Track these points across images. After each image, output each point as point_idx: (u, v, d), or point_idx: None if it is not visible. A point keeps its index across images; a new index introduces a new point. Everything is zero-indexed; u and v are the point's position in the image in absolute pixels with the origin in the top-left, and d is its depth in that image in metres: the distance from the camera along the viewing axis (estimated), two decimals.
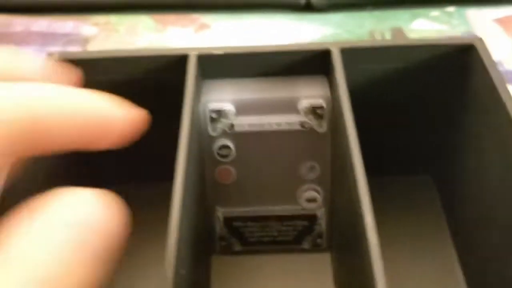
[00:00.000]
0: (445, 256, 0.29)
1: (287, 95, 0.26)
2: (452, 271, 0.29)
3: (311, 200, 0.28)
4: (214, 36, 0.46)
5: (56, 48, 0.45)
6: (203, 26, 0.47)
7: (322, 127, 0.26)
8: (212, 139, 0.27)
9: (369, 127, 0.24)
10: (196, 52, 0.25)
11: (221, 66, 0.26)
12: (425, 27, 0.45)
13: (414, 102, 0.27)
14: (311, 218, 0.29)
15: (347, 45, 0.25)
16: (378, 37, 0.45)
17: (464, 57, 0.26)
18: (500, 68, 0.34)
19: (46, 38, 0.46)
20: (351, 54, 0.25)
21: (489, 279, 0.26)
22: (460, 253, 0.29)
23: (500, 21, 0.46)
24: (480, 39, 0.26)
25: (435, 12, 0.47)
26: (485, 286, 0.26)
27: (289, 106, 0.26)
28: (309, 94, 0.26)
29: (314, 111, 0.26)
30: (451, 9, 0.47)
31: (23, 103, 0.11)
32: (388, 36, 0.45)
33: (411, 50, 0.26)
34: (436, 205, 0.31)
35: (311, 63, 0.26)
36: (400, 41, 0.27)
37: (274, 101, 0.26)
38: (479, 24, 0.45)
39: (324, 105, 0.26)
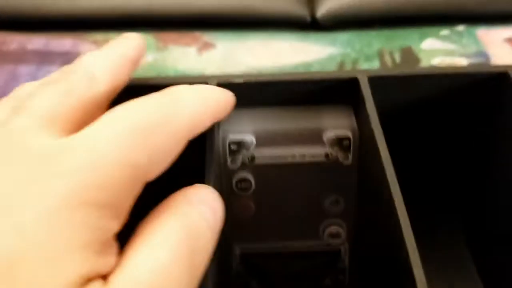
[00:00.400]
0: None
1: (311, 125, 0.25)
2: None
3: (335, 235, 0.27)
4: (219, 55, 0.44)
5: (54, 68, 0.43)
6: (207, 45, 0.46)
7: (347, 159, 0.25)
8: (231, 172, 0.25)
9: (398, 159, 0.23)
10: (215, 80, 0.24)
11: (241, 94, 0.24)
12: (435, 46, 0.44)
13: (444, 133, 0.26)
14: (334, 254, 0.27)
15: (375, 73, 0.24)
16: (387, 57, 0.44)
17: (497, 85, 0.25)
18: None
19: (43, 57, 0.44)
20: (379, 83, 0.24)
21: None
22: None
23: (511, 41, 0.45)
24: None
25: (444, 31, 0.46)
26: None
27: (314, 137, 0.25)
28: (335, 124, 0.24)
29: (340, 142, 0.24)
30: (461, 28, 0.46)
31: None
32: (397, 56, 0.44)
33: (441, 78, 0.24)
34: (463, 245, 0.30)
35: (336, 91, 0.25)
36: (430, 70, 0.26)
37: (297, 131, 0.25)
38: (490, 43, 0.44)
39: (351, 136, 0.24)
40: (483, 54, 0.43)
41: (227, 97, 0.20)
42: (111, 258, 0.15)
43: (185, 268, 0.15)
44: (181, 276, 0.15)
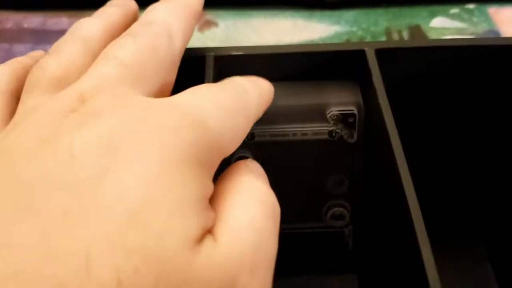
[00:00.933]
0: None
1: (314, 101, 0.23)
2: None
3: (338, 217, 0.25)
4: (221, 34, 0.43)
5: (50, 47, 0.41)
6: (209, 23, 0.44)
7: (352, 137, 0.24)
8: None
9: (407, 136, 0.22)
10: (213, 53, 0.22)
11: (241, 68, 0.23)
12: (445, 24, 0.43)
13: (455, 107, 0.25)
14: (337, 237, 0.26)
15: (383, 46, 0.23)
16: (395, 35, 0.42)
17: (510, 58, 0.23)
18: None
19: (39, 36, 0.43)
20: (387, 55, 0.23)
21: None
22: None
23: None
24: None
25: (454, 9, 0.44)
26: None
27: (317, 114, 0.23)
28: (339, 101, 0.23)
29: (344, 119, 0.23)
30: (471, 6, 0.44)
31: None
32: (405, 34, 0.42)
33: (452, 51, 0.23)
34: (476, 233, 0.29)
35: (342, 65, 0.23)
36: (439, 41, 0.24)
37: (299, 108, 0.23)
38: (502, 22, 0.43)
39: (356, 113, 0.23)
40: (494, 32, 0.42)
41: (272, 90, 0.20)
42: (213, 215, 0.15)
43: (273, 229, 0.16)
44: (271, 236, 0.15)
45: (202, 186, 0.15)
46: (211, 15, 0.45)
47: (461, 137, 0.26)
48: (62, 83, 0.17)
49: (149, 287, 0.12)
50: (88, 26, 0.20)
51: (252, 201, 0.16)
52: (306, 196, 0.25)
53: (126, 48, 0.17)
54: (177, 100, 0.16)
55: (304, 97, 0.23)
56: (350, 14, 0.45)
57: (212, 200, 0.16)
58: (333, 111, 0.23)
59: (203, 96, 0.16)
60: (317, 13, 0.45)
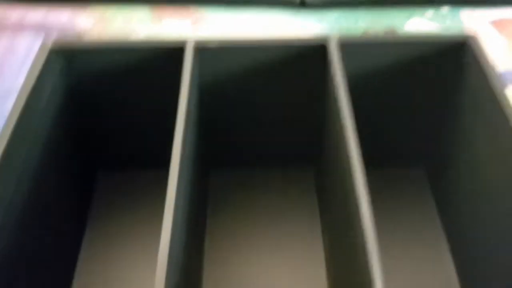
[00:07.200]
0: (437, 249, 0.29)
1: None
2: (444, 264, 0.29)
3: None
4: (211, 29, 0.46)
5: None
6: (200, 19, 0.47)
7: None
8: None
9: (364, 121, 0.24)
10: (192, 45, 0.25)
11: (218, 59, 0.26)
12: (420, 26, 0.46)
13: (409, 97, 0.28)
14: None
15: (344, 39, 0.25)
16: None
17: (458, 55, 0.26)
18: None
19: (40, 29, 0.46)
20: (348, 48, 0.25)
21: (479, 268, 0.26)
22: (453, 246, 0.29)
23: (495, 23, 0.46)
24: (473, 37, 0.26)
25: (429, 12, 0.47)
26: (475, 274, 0.26)
27: None
28: None
29: None
30: (445, 9, 0.47)
31: None
32: None
33: (404, 46, 0.26)
34: (429, 198, 0.31)
35: (307, 57, 0.26)
36: (393, 37, 0.27)
37: None
38: (474, 25, 0.45)
39: None
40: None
41: None
42: None
43: None
44: None
45: None
46: (202, 11, 0.48)
47: (413, 118, 0.29)
48: None
49: None
50: None
51: None
52: None
53: None
54: None
55: None
56: (331, 15, 0.47)
57: None
58: None
59: None
60: (301, 13, 0.48)
